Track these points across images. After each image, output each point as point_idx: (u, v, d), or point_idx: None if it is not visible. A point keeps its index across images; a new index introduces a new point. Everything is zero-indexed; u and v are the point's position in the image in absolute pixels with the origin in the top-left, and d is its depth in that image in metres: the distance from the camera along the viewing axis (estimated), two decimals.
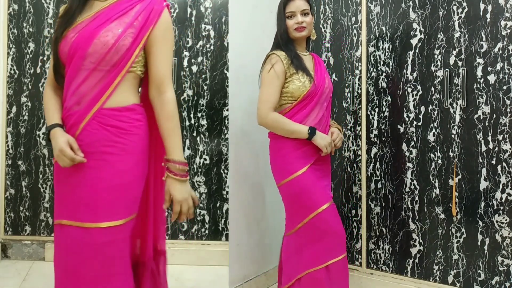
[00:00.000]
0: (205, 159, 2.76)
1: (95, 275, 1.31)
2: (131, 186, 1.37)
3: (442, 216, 2.20)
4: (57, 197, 1.39)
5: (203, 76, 2.76)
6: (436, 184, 2.21)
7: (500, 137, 2.05)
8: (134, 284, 1.40)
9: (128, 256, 1.38)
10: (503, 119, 2.04)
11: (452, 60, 2.17)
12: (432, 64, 2.22)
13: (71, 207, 1.33)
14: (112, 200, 1.33)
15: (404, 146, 2.31)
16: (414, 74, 2.28)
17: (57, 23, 1.41)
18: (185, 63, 2.75)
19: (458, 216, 2.15)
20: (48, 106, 1.41)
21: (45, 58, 2.75)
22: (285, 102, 1.98)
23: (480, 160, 2.09)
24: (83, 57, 1.33)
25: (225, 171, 2.75)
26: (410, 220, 2.29)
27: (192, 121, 2.75)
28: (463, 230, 2.14)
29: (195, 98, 2.76)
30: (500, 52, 2.04)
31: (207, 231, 2.76)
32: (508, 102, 2.03)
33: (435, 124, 2.22)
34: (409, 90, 2.29)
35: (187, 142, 2.76)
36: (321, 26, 2.57)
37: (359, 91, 2.45)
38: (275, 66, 1.94)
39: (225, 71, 2.74)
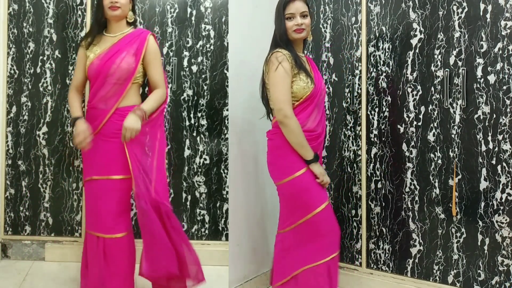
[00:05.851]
0: (205, 159, 2.76)
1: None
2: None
3: (442, 216, 2.20)
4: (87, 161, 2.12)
5: (203, 76, 2.76)
6: (436, 184, 2.21)
7: (500, 137, 2.05)
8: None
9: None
10: (503, 119, 2.04)
11: (452, 60, 2.17)
12: (432, 64, 2.22)
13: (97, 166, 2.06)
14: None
15: (404, 146, 2.31)
16: (414, 74, 2.28)
17: None
18: (185, 63, 2.75)
19: (458, 216, 2.15)
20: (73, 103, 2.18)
21: (45, 58, 2.75)
22: None
23: (480, 160, 2.09)
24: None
25: (225, 171, 2.75)
26: (410, 220, 2.29)
27: (192, 121, 2.75)
28: (463, 230, 2.14)
29: (195, 98, 2.76)
30: (500, 52, 2.04)
31: (207, 231, 2.76)
32: (508, 102, 2.03)
33: (435, 124, 2.22)
34: (409, 90, 2.29)
35: (187, 142, 2.76)
36: (321, 26, 2.57)
37: (359, 91, 2.45)
38: (283, 64, 1.91)
39: (225, 71, 2.74)
